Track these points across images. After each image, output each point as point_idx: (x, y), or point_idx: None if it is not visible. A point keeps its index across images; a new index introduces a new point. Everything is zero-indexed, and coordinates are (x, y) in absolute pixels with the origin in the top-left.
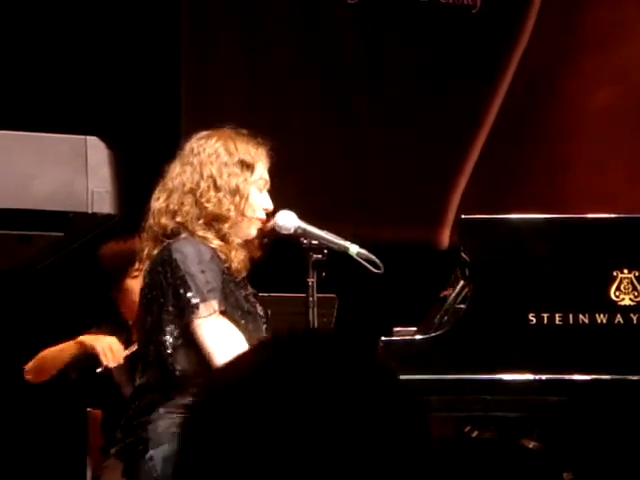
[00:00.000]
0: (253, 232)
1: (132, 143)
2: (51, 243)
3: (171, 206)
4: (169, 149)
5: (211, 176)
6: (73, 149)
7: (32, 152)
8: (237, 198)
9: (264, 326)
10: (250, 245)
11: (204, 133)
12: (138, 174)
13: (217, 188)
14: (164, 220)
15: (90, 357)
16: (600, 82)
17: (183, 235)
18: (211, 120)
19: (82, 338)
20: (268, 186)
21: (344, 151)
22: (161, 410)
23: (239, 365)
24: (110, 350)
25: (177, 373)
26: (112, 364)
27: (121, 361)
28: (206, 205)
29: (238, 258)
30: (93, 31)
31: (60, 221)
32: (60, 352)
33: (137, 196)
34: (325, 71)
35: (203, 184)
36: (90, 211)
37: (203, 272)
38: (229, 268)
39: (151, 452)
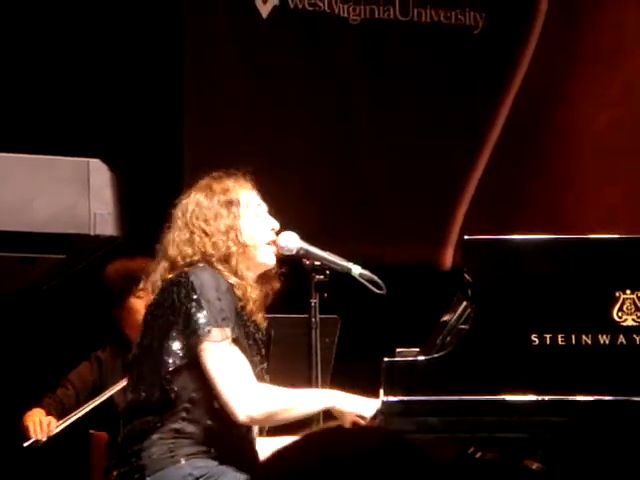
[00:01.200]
0: (270, 259)
1: (134, 165)
2: (53, 265)
3: (174, 258)
4: (171, 174)
5: (200, 227)
6: (76, 172)
7: (34, 174)
8: (232, 234)
9: (262, 375)
10: (268, 277)
11: (182, 195)
12: (140, 196)
13: (208, 235)
14: (172, 271)
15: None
16: (602, 102)
17: (201, 265)
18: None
19: (27, 417)
20: (264, 207)
21: (345, 170)
22: (154, 437)
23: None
24: (40, 424)
25: (172, 394)
26: (42, 437)
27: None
28: (205, 250)
29: (253, 298)
30: (93, 55)
31: (62, 243)
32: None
33: (139, 218)
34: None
35: (196, 237)
36: (92, 233)
37: (219, 300)
38: (243, 308)
39: (148, 479)
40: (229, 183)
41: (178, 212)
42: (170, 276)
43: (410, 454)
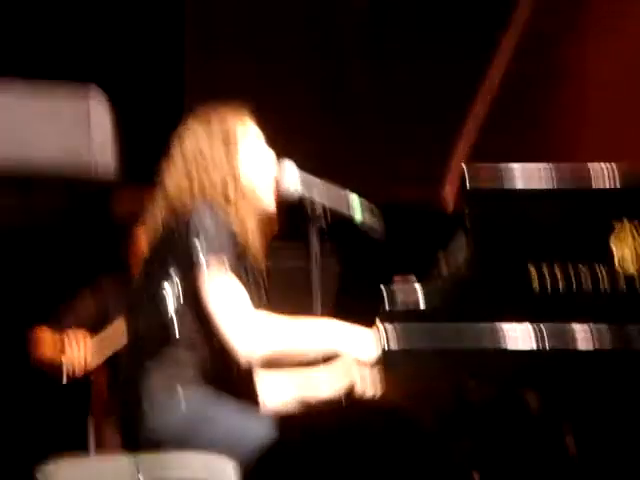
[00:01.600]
0: (269, 201)
1: (135, 95)
2: (54, 207)
3: (173, 202)
4: (172, 103)
5: (198, 178)
6: (75, 100)
7: (34, 103)
8: (231, 183)
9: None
10: (268, 219)
11: (182, 128)
12: (141, 126)
13: (208, 180)
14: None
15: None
16: (603, 46)
17: (201, 202)
18: (214, 75)
19: None
20: (262, 137)
21: (346, 114)
22: (153, 368)
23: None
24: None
25: (171, 329)
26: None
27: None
28: (203, 194)
29: (255, 246)
30: None
31: (62, 176)
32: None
33: (140, 148)
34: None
35: (195, 185)
36: (92, 162)
37: (217, 231)
38: (244, 252)
39: (145, 409)
40: (229, 122)
41: (177, 152)
42: (169, 214)
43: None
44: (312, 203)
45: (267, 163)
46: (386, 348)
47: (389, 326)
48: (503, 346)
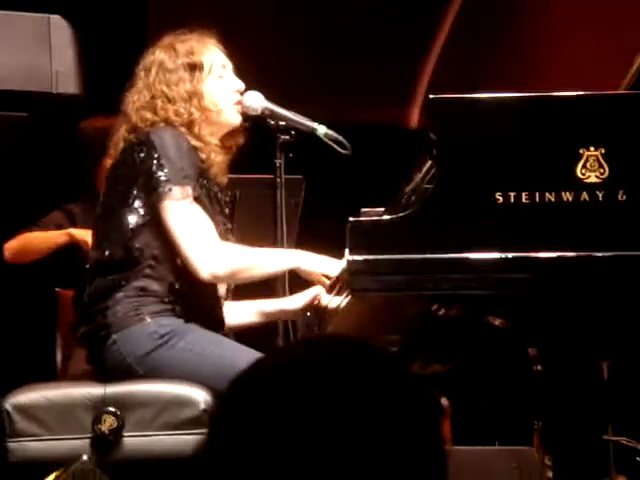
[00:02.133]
0: (234, 118)
1: (96, 22)
2: (15, 123)
3: (135, 123)
4: (134, 28)
5: (162, 92)
6: (36, 28)
7: None
8: (194, 100)
9: (226, 235)
10: (233, 133)
11: (145, 51)
12: (103, 53)
13: (170, 100)
14: (134, 133)
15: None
16: None
17: (162, 124)
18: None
19: (72, 231)
20: (230, 66)
21: (311, 33)
22: (119, 295)
23: (267, 363)
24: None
25: (135, 252)
26: None
27: None
28: (167, 116)
29: (217, 162)
30: None
31: (24, 101)
32: (46, 239)
33: (102, 76)
34: None
35: (158, 101)
36: (55, 91)
37: (180, 158)
38: (207, 170)
39: (114, 336)
40: (193, 43)
41: (140, 72)
42: (131, 137)
43: (364, 357)
44: (276, 116)
45: (232, 85)
46: (353, 276)
47: (357, 257)
48: (470, 275)
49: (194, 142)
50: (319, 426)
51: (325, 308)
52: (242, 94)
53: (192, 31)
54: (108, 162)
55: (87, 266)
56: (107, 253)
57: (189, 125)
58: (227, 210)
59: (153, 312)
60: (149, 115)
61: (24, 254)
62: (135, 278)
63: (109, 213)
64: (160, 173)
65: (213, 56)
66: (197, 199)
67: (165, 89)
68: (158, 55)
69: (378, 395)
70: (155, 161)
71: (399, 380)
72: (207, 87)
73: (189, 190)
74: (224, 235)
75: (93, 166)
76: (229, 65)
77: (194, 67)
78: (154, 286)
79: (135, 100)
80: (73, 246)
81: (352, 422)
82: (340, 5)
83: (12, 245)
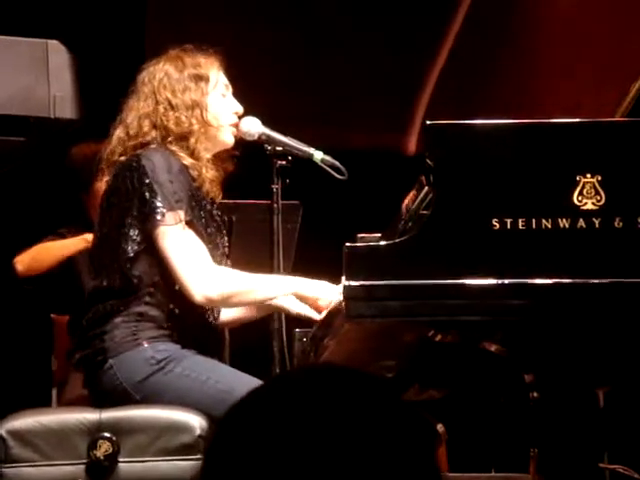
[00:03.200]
0: (229, 139)
1: (94, 47)
2: (12, 148)
3: (131, 132)
4: (132, 53)
5: (166, 98)
6: (34, 53)
7: None
8: (197, 111)
9: (224, 250)
10: (224, 157)
11: (151, 62)
12: (101, 79)
13: (174, 108)
14: (128, 143)
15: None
16: None
17: (153, 146)
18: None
19: (88, 237)
20: (231, 89)
21: (310, 59)
22: (117, 320)
23: (264, 391)
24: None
25: (134, 280)
26: None
27: None
28: (167, 125)
29: (209, 178)
30: None
31: (21, 126)
32: (63, 246)
33: (99, 101)
34: None
35: (160, 108)
36: (52, 116)
37: (171, 182)
38: (199, 188)
39: (110, 361)
40: (201, 59)
41: (144, 78)
42: (122, 158)
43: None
44: (273, 142)
45: (233, 107)
46: (349, 302)
47: (354, 283)
48: (466, 301)
49: (185, 160)
50: (314, 454)
51: (321, 338)
52: (240, 119)
53: (199, 48)
54: (100, 186)
55: (86, 294)
56: (105, 282)
57: (186, 136)
58: (224, 228)
59: (150, 337)
60: (147, 127)
61: (40, 262)
62: (134, 304)
63: (106, 242)
64: (152, 200)
65: (219, 74)
66: (190, 223)
67: (169, 95)
68: (164, 64)
69: (373, 424)
70: (146, 187)
71: (393, 409)
72: (211, 101)
73: (181, 215)
74: (222, 257)
75: (85, 191)
76: (231, 88)
77: (200, 78)
78: (153, 312)
79: (137, 107)
80: (69, 272)
81: (347, 451)
82: (339, 32)
83: (24, 257)
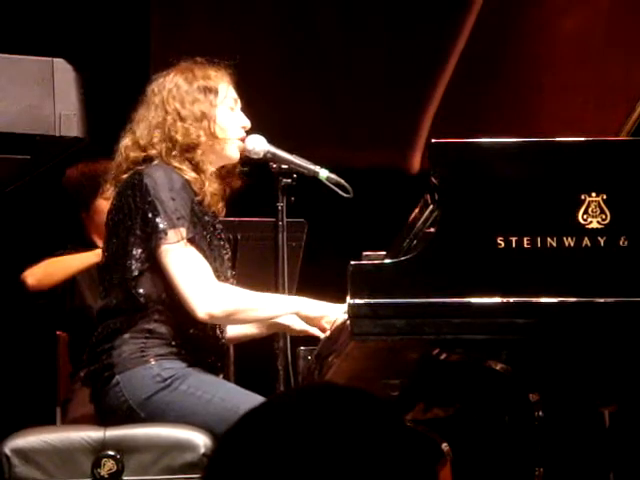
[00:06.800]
0: (235, 153)
1: (99, 65)
2: (18, 166)
3: (141, 142)
4: (137, 72)
5: (175, 109)
6: (40, 71)
7: None
8: (205, 122)
9: (229, 263)
10: (231, 172)
11: (161, 73)
12: (106, 96)
13: (182, 119)
14: (133, 154)
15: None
16: (567, 6)
17: (155, 162)
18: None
19: (99, 250)
20: (239, 104)
21: (314, 77)
22: (125, 336)
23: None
24: None
25: (141, 299)
26: None
27: None
28: (174, 136)
29: (211, 192)
30: None
31: (27, 144)
32: (75, 258)
33: (105, 119)
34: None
35: (169, 118)
36: (58, 134)
37: (173, 199)
38: (201, 202)
39: (117, 377)
40: (211, 71)
41: (154, 88)
42: (125, 176)
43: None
44: (278, 160)
45: (240, 121)
46: (354, 320)
47: (359, 301)
48: (471, 319)
49: (187, 175)
50: (316, 473)
51: (326, 356)
52: (247, 134)
53: (210, 62)
54: (101, 202)
55: (90, 313)
56: (114, 301)
57: (193, 148)
58: (226, 242)
59: (158, 355)
60: (157, 138)
61: (51, 276)
62: (143, 321)
63: (112, 262)
64: (154, 218)
65: (228, 88)
66: (191, 240)
67: (178, 106)
68: (174, 76)
69: (372, 444)
70: (149, 206)
71: (392, 429)
72: (219, 113)
73: (183, 232)
74: (228, 272)
75: (85, 209)
76: (239, 103)
77: (209, 91)
78: (162, 329)
79: (147, 117)
80: (71, 290)
81: (345, 470)
82: (343, 49)
83: (35, 271)
